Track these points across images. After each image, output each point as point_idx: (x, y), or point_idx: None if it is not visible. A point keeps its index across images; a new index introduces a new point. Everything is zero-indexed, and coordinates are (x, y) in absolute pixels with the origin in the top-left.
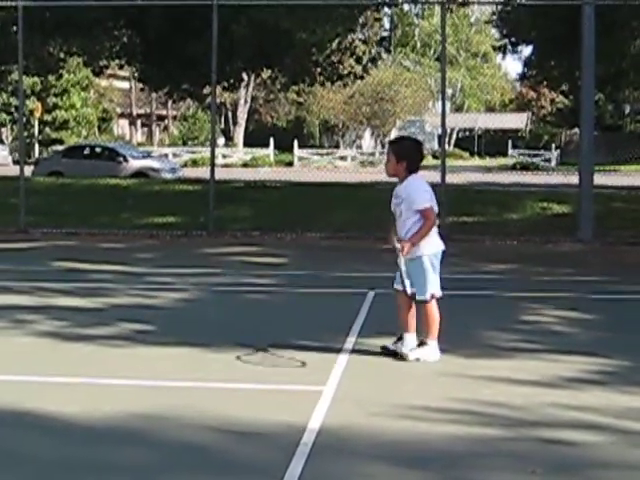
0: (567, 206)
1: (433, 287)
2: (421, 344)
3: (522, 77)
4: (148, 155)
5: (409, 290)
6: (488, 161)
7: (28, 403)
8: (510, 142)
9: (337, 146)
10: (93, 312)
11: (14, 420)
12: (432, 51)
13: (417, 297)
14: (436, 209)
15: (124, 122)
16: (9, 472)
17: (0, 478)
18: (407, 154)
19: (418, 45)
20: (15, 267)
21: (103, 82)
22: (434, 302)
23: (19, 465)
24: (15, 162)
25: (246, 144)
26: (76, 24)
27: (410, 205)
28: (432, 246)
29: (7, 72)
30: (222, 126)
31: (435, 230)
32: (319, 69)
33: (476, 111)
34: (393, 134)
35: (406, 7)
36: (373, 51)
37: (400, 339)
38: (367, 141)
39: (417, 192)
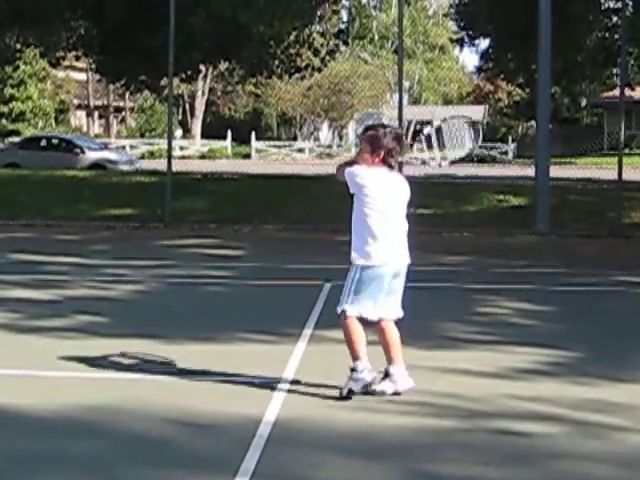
0: (524, 198)
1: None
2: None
3: (479, 70)
4: (105, 147)
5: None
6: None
7: None
8: None
9: (295, 138)
10: (48, 304)
11: None
12: (390, 43)
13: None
14: None
15: (81, 114)
16: None
17: None
18: (385, 144)
19: (376, 37)
20: None
21: (60, 73)
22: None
23: None
24: None
25: (203, 136)
26: (32, 15)
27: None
28: None
29: None
30: (179, 118)
31: None
32: (277, 62)
33: (433, 104)
34: (351, 127)
35: None
36: (331, 43)
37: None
38: (325, 133)
39: None
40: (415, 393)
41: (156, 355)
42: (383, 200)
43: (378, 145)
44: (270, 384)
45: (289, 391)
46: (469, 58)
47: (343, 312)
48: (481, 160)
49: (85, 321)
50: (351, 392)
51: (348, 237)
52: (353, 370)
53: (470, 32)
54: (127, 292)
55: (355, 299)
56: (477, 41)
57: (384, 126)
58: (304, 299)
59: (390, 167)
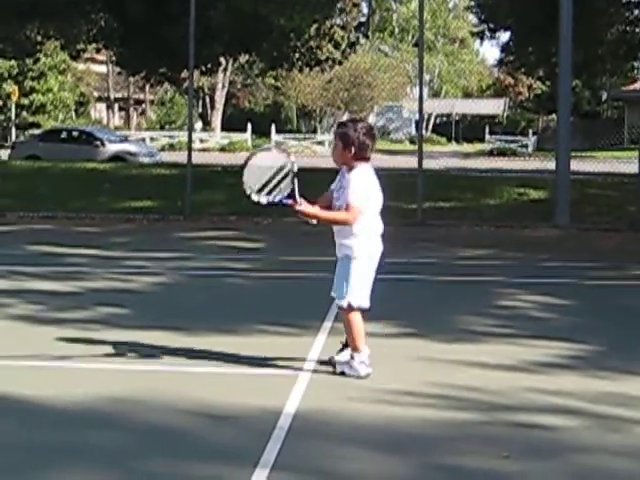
0: (544, 192)
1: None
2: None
3: (500, 63)
4: (125, 139)
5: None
6: (465, 147)
7: (2, 387)
8: (487, 128)
9: (314, 131)
10: (69, 296)
11: None
12: (410, 36)
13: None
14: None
15: (101, 106)
16: None
17: None
18: (356, 139)
19: (396, 30)
20: None
21: (80, 66)
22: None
23: None
24: None
25: (223, 128)
26: (53, 7)
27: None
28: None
29: None
30: (200, 110)
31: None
32: (297, 54)
33: (454, 97)
34: (371, 119)
35: None
36: (351, 36)
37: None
38: None
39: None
40: (435, 386)
41: (176, 347)
42: (375, 197)
43: (349, 141)
44: (290, 376)
45: (309, 383)
46: (489, 51)
47: (349, 305)
48: (501, 153)
49: (106, 313)
50: (342, 373)
51: None
52: (352, 358)
53: (490, 25)
54: (147, 284)
55: (351, 290)
56: (497, 34)
57: (355, 121)
58: (324, 292)
59: (365, 160)
